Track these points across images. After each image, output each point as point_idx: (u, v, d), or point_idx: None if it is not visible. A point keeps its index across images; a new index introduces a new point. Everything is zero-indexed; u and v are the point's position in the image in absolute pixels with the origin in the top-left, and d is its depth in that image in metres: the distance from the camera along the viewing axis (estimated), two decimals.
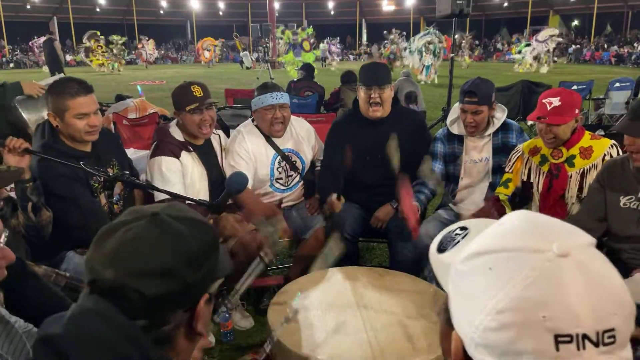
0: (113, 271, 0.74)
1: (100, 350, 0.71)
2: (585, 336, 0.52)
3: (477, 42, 37.54)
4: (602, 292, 0.54)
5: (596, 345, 0.52)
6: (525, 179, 2.47)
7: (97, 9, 38.34)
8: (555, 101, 2.20)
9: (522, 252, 0.56)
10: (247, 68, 25.08)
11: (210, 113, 2.47)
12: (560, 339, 0.52)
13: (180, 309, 0.78)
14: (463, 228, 0.69)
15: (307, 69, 7.94)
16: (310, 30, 15.15)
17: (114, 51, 23.20)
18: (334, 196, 2.66)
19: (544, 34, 19.43)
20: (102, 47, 22.44)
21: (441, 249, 0.69)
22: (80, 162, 1.99)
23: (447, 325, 0.65)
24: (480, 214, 2.35)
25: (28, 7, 34.79)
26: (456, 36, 8.86)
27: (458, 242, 0.67)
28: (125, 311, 0.73)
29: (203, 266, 0.78)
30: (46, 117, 2.11)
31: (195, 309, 0.79)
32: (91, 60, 22.55)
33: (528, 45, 20.22)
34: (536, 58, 19.52)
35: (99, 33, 22.55)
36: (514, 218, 0.62)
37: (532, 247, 0.55)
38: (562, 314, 0.52)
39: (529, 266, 0.54)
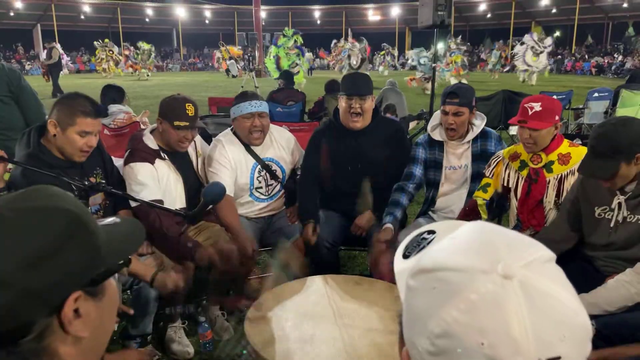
0: None
1: None
2: None
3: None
4: (549, 316, 0.50)
5: None
6: (505, 183, 2.51)
7: (82, 17, 38.04)
8: (537, 106, 2.26)
9: (466, 272, 0.52)
10: (234, 76, 25.01)
11: (193, 133, 2.50)
12: None
13: (37, 317, 0.64)
14: (431, 232, 0.64)
15: (286, 76, 7.49)
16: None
17: (142, 58, 24.11)
18: (310, 229, 2.60)
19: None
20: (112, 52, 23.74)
21: (406, 254, 0.64)
22: (57, 171, 1.95)
23: (401, 340, 0.61)
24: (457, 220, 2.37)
25: (12, 14, 34.42)
26: (439, 46, 8.92)
27: (423, 247, 0.63)
28: None
29: (52, 264, 0.64)
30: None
31: (61, 312, 0.66)
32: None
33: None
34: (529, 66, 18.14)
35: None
36: (467, 232, 0.59)
37: (477, 268, 0.52)
38: (501, 341, 0.49)
39: (470, 289, 0.51)
